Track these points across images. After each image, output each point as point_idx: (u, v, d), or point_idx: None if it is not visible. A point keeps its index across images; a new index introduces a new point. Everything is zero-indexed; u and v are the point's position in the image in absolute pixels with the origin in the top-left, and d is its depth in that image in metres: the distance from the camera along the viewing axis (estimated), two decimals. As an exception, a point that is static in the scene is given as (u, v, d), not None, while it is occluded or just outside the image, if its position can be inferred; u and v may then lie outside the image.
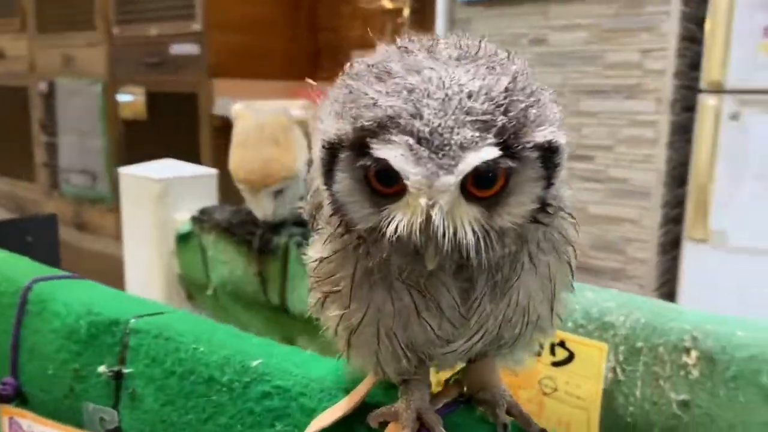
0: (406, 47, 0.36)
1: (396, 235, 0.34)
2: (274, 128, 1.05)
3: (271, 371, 0.47)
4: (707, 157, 1.84)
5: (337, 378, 0.46)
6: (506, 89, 0.33)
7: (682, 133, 1.93)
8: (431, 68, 0.34)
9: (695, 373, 0.75)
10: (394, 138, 0.32)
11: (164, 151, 1.72)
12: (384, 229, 0.35)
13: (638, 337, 0.78)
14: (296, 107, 1.13)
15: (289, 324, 1.17)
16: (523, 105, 0.33)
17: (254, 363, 0.48)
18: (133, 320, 0.55)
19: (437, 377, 0.48)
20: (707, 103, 1.80)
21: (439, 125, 0.32)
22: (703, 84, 1.81)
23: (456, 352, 0.41)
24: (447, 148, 0.32)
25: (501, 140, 0.33)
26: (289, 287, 1.15)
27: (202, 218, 1.26)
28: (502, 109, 0.33)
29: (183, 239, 1.29)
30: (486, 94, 0.33)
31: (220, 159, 1.65)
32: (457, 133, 0.32)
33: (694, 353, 0.75)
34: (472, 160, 0.32)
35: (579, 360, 0.80)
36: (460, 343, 0.40)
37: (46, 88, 3.67)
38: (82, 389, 0.56)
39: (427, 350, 0.41)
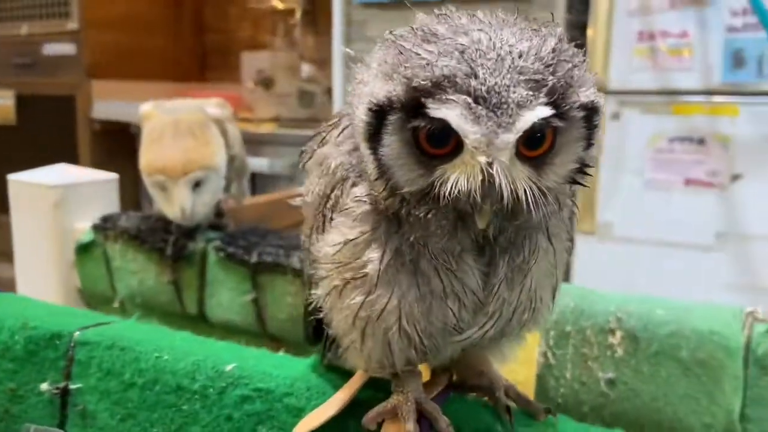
0: (444, 14, 0.36)
1: (453, 194, 0.33)
2: (191, 123, 1.01)
3: (248, 374, 0.45)
4: (593, 154, 1.97)
5: (322, 375, 0.44)
6: (553, 50, 0.35)
7: (569, 131, 2.05)
8: (479, 29, 0.34)
9: (620, 351, 0.80)
10: (451, 97, 0.32)
11: (37, 158, 1.59)
12: (437, 189, 0.34)
13: (567, 321, 0.82)
14: (211, 105, 1.08)
15: (207, 332, 1.12)
16: (569, 66, 0.35)
17: (228, 367, 0.45)
18: (78, 332, 0.50)
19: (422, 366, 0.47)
20: (591, 103, 1.93)
21: (495, 84, 0.32)
22: (587, 85, 1.93)
23: (466, 341, 0.41)
24: (504, 106, 0.32)
25: (551, 99, 0.33)
26: (208, 294, 1.10)
27: (105, 226, 1.18)
28: (551, 69, 0.34)
29: (84, 250, 1.20)
30: (535, 54, 0.34)
31: (101, 166, 1.55)
32: (513, 92, 0.33)
33: (618, 333, 0.80)
34: (529, 117, 0.33)
35: (513, 347, 0.82)
36: (474, 330, 0.40)
37: None
38: (20, 410, 0.51)
39: (441, 339, 0.40)
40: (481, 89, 0.32)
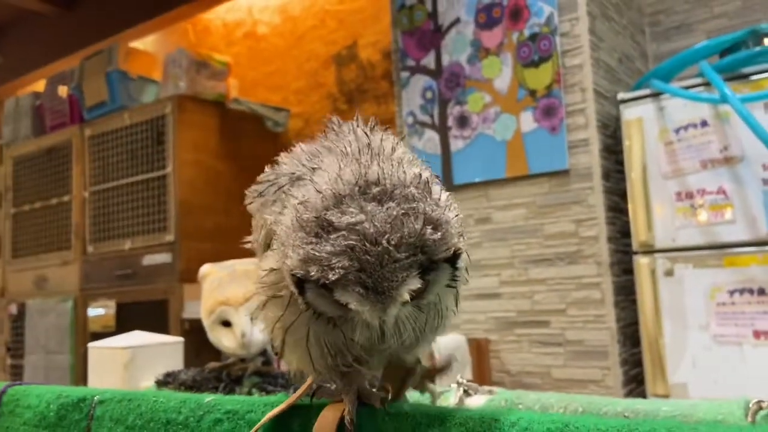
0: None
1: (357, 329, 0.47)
2: (246, 270, 1.16)
3: (221, 402, 0.52)
4: (651, 313, 1.95)
5: (279, 399, 0.51)
6: (420, 233, 0.45)
7: (626, 294, 2.07)
8: (362, 221, 0.45)
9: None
10: (349, 288, 0.44)
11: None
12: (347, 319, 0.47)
13: (581, 427, 0.82)
14: (260, 261, 1.24)
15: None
16: (432, 238, 0.45)
17: (207, 399, 0.53)
18: (98, 395, 0.60)
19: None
20: (641, 262, 1.97)
21: (379, 276, 0.44)
22: (635, 246, 1.99)
23: (383, 353, 0.49)
24: (388, 291, 0.44)
25: (422, 270, 0.45)
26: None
27: (167, 380, 1.29)
28: (419, 250, 0.45)
29: (148, 406, 1.30)
30: (406, 242, 0.44)
31: (191, 362, 1.70)
32: (394, 279, 0.44)
33: (631, 433, 0.79)
34: (405, 292, 0.44)
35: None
36: (377, 356, 0.50)
37: (16, 309, 3.73)
38: (46, 469, 0.59)
39: (353, 353, 0.49)
40: (369, 282, 0.44)
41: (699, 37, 2.43)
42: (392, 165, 0.47)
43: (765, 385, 1.77)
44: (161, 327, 3.06)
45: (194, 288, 3.05)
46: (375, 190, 0.46)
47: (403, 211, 0.45)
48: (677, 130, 1.95)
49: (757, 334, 1.81)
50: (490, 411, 0.41)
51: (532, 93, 2.12)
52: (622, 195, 2.08)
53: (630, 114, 2.02)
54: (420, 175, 0.46)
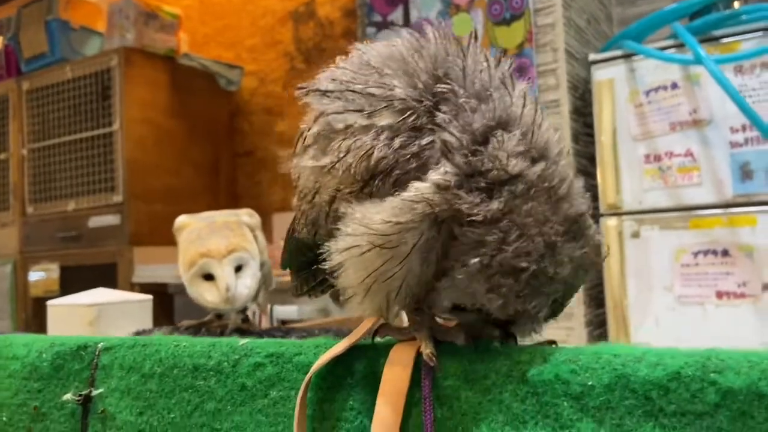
0: None
1: None
2: (226, 221, 1.08)
3: (260, 344, 0.46)
4: (617, 274, 1.97)
5: (327, 340, 0.46)
6: None
7: (592, 255, 2.08)
8: None
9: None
10: None
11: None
12: None
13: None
14: (243, 214, 1.16)
15: None
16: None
17: (242, 342, 0.47)
18: (102, 342, 0.53)
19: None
20: (609, 224, 1.98)
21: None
22: (602, 208, 1.99)
23: None
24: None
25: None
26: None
27: (137, 340, 1.21)
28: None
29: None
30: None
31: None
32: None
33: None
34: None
35: None
36: None
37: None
38: (42, 427, 0.52)
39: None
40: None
41: (664, 2, 2.44)
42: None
43: (725, 344, 1.81)
44: (109, 292, 2.91)
45: (145, 251, 2.91)
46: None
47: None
48: (648, 92, 1.95)
49: (719, 295, 1.85)
50: (606, 346, 0.37)
51: (504, 52, 2.08)
52: (591, 158, 2.08)
53: (601, 75, 2.01)
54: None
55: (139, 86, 2.92)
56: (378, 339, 0.45)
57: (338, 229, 0.44)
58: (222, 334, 1.13)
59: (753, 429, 0.31)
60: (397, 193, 0.42)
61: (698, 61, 1.76)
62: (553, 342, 0.45)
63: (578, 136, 2.07)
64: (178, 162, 3.06)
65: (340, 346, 0.43)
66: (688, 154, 1.90)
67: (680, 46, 1.87)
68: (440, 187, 0.41)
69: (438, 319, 0.46)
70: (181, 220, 1.18)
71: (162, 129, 3.01)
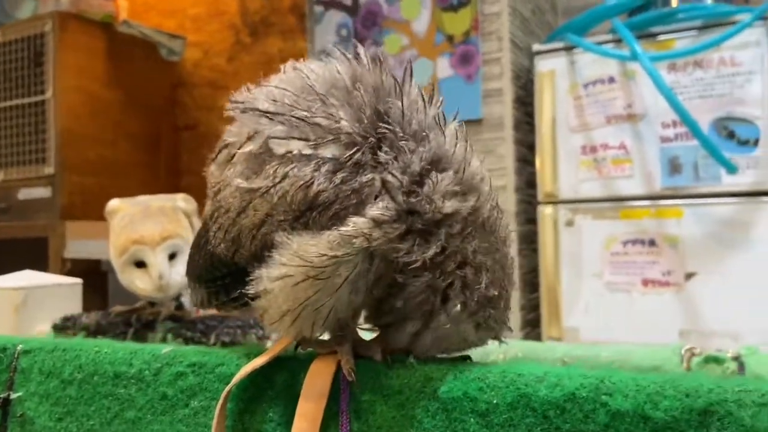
0: None
1: None
2: (161, 206, 1.06)
3: (183, 353, 0.46)
4: (552, 261, 2.04)
5: (251, 350, 0.46)
6: None
7: (528, 242, 2.14)
8: None
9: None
10: None
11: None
12: None
13: (518, 372, 0.83)
14: (178, 199, 1.14)
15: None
16: None
17: (164, 350, 0.47)
18: (21, 344, 0.52)
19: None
20: (545, 212, 2.04)
21: None
22: (540, 197, 2.05)
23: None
24: None
25: None
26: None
27: (66, 325, 1.18)
28: None
29: (42, 352, 1.19)
30: None
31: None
32: None
33: (568, 378, 0.81)
34: None
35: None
36: None
37: None
38: (-44, 430, 0.51)
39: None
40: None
41: (606, -5, 2.49)
42: None
43: (650, 330, 1.91)
44: (39, 266, 2.80)
45: (77, 225, 2.83)
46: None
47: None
48: (586, 85, 2.00)
49: (645, 282, 1.94)
50: (513, 365, 0.38)
51: (450, 38, 2.10)
52: (530, 146, 2.13)
53: (543, 66, 2.05)
54: None
55: (74, 53, 2.81)
56: (300, 350, 0.46)
57: (269, 255, 0.45)
58: (155, 321, 1.11)
59: (638, 449, 0.34)
60: (334, 227, 0.43)
61: (634, 57, 1.81)
62: (467, 357, 0.47)
63: (519, 124, 2.11)
64: (115, 134, 2.96)
65: (261, 359, 0.44)
66: (622, 147, 1.97)
67: (619, 41, 1.92)
68: (378, 223, 0.43)
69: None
70: (113, 204, 1.15)
71: (98, 99, 2.91)
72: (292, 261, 0.43)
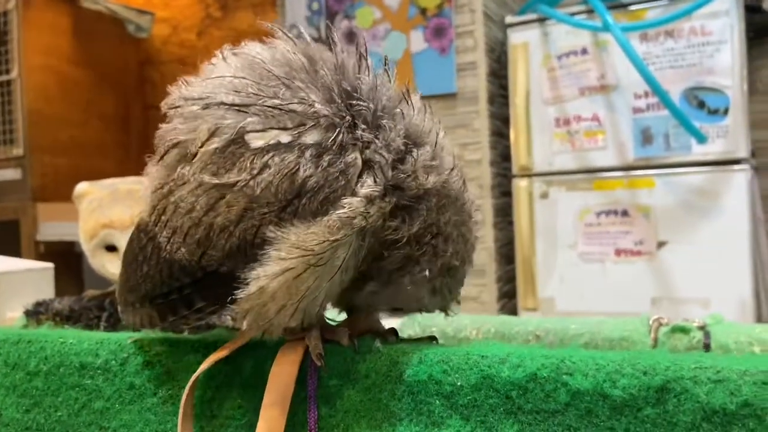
0: None
1: None
2: (130, 189, 1.05)
3: (150, 342, 0.46)
4: (527, 233, 2.05)
5: (220, 337, 0.46)
6: None
7: (504, 215, 2.15)
8: None
9: (544, 370, 0.82)
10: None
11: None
12: None
13: (491, 346, 0.85)
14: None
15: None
16: None
17: (129, 339, 0.47)
18: (-15, 336, 0.51)
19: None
20: (520, 185, 2.05)
21: None
22: (514, 170, 2.06)
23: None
24: None
25: None
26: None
27: (38, 310, 1.17)
28: None
29: (15, 338, 1.18)
30: None
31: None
32: None
33: (539, 351, 0.83)
34: None
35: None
36: None
37: None
38: None
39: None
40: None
41: (579, -35, 2.48)
42: None
43: (623, 298, 1.95)
44: (11, 250, 2.77)
45: (49, 207, 2.78)
46: None
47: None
48: (560, 57, 2.00)
49: (618, 252, 1.96)
50: (476, 346, 0.39)
51: (423, 11, 2.08)
52: (504, 120, 2.13)
53: (516, 39, 2.04)
54: None
55: (39, 31, 2.74)
56: (266, 336, 0.45)
57: (262, 253, 0.43)
58: (128, 304, 1.11)
59: (597, 426, 0.35)
60: (328, 211, 0.42)
61: (606, 28, 1.82)
62: (433, 338, 0.47)
63: (494, 98, 2.10)
64: (85, 113, 2.91)
65: (228, 347, 0.44)
66: (595, 118, 1.98)
67: (591, 11, 1.92)
68: (371, 199, 0.42)
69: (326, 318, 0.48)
70: (81, 187, 1.13)
71: (66, 77, 2.85)
72: (292, 253, 0.42)
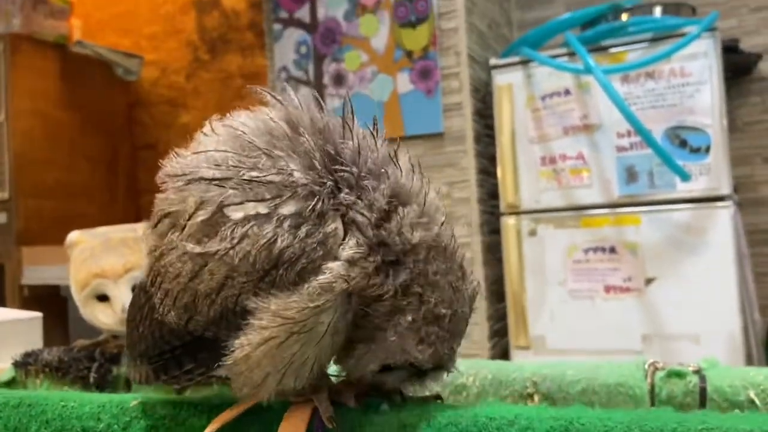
0: None
1: None
2: (123, 237, 1.04)
3: (153, 405, 0.46)
4: (516, 270, 2.07)
5: (224, 399, 0.46)
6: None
7: (493, 252, 2.16)
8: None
9: (541, 416, 0.82)
10: None
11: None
12: None
13: (488, 393, 0.85)
14: (140, 228, 1.13)
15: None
16: None
17: (133, 403, 0.46)
18: (-17, 399, 0.50)
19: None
20: (508, 223, 2.06)
21: None
22: (502, 207, 2.08)
23: None
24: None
25: None
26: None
27: (27, 361, 1.15)
28: None
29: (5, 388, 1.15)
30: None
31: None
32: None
33: (536, 396, 0.83)
34: None
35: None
36: None
37: None
38: None
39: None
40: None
41: (559, 7, 2.55)
42: None
43: (614, 335, 1.95)
44: (-4, 294, 2.75)
45: (34, 251, 2.76)
46: None
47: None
48: (543, 98, 2.04)
49: (607, 289, 1.98)
50: (484, 408, 0.39)
51: (409, 54, 2.12)
52: (491, 158, 2.16)
53: (501, 80, 2.08)
54: None
55: (27, 75, 2.75)
56: (272, 399, 0.45)
57: (246, 323, 0.44)
58: (119, 355, 1.09)
59: (607, 489, 0.35)
60: (308, 279, 0.43)
61: (588, 70, 1.86)
62: (439, 397, 0.47)
63: (480, 137, 2.14)
64: (71, 156, 2.90)
65: (232, 411, 0.44)
66: (580, 156, 2.01)
67: (573, 54, 1.97)
68: (353, 262, 0.43)
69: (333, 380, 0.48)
70: (73, 236, 1.13)
71: (53, 121, 2.85)
72: (273, 322, 0.43)
